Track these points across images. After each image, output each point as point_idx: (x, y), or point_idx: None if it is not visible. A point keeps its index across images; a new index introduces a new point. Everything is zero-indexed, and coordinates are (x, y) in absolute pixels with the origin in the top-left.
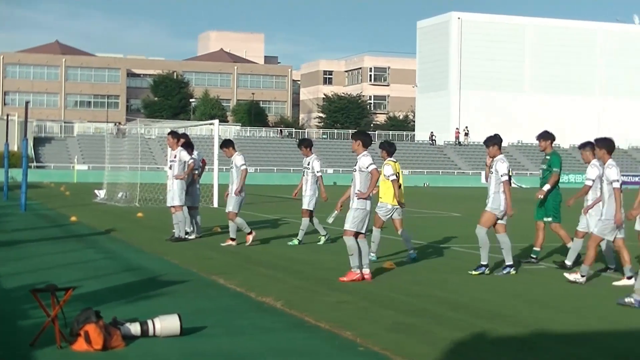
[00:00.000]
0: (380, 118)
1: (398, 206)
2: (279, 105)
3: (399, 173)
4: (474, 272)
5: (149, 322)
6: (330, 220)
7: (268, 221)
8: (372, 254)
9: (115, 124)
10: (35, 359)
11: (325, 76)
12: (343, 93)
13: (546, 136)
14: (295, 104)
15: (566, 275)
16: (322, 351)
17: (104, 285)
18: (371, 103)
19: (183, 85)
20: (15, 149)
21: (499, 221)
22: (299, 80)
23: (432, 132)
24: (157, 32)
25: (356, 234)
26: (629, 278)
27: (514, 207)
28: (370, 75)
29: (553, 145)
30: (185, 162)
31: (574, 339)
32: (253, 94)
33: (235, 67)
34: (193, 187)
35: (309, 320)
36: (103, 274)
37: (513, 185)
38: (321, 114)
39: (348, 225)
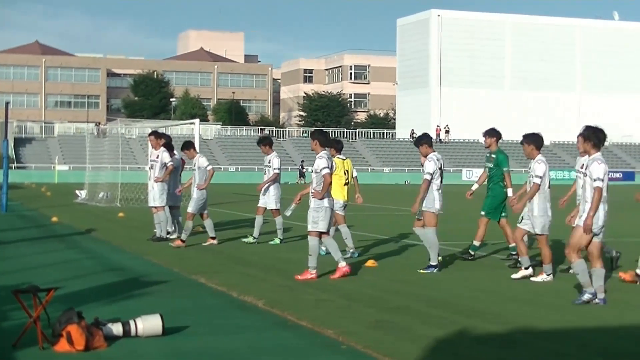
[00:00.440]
0: (361, 116)
1: (347, 202)
2: (260, 104)
3: (348, 170)
4: (422, 271)
5: (131, 322)
6: (288, 213)
7: (248, 220)
8: (351, 250)
9: (95, 124)
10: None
11: (305, 74)
12: (323, 91)
13: (492, 133)
14: (276, 102)
15: (534, 279)
16: (304, 350)
17: (86, 285)
18: (352, 101)
19: (163, 85)
20: None
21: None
22: (279, 79)
23: (412, 130)
24: (136, 31)
25: (320, 234)
26: (527, 268)
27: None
28: (351, 73)
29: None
30: (165, 163)
31: (555, 335)
32: (233, 92)
33: (216, 66)
34: (175, 187)
35: (290, 319)
36: (85, 275)
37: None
38: (302, 113)
39: (310, 226)
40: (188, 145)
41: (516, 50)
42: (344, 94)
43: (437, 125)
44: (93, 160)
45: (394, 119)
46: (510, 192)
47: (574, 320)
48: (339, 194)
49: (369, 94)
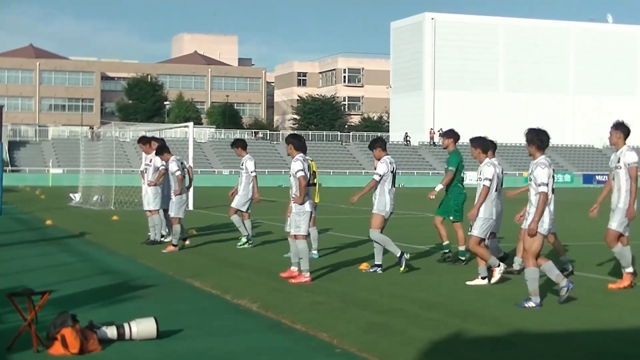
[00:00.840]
0: (355, 119)
1: (317, 203)
2: (253, 107)
3: (315, 172)
4: (365, 268)
5: (126, 325)
6: (287, 229)
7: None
8: (313, 252)
9: (89, 127)
10: None
11: (299, 78)
12: (317, 94)
13: (449, 134)
14: (270, 105)
15: (469, 282)
16: (299, 352)
17: (80, 288)
18: (345, 104)
19: (157, 88)
20: None
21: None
22: (273, 82)
23: (406, 133)
24: (130, 35)
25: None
26: (483, 278)
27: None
28: (344, 76)
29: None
30: (158, 167)
31: (549, 337)
32: (227, 96)
33: (209, 70)
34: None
35: (285, 322)
36: (79, 278)
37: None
38: (295, 116)
39: (293, 230)
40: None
41: (510, 52)
42: (337, 97)
43: (431, 128)
44: (87, 164)
45: (388, 122)
46: (438, 187)
47: (568, 322)
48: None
49: (362, 97)
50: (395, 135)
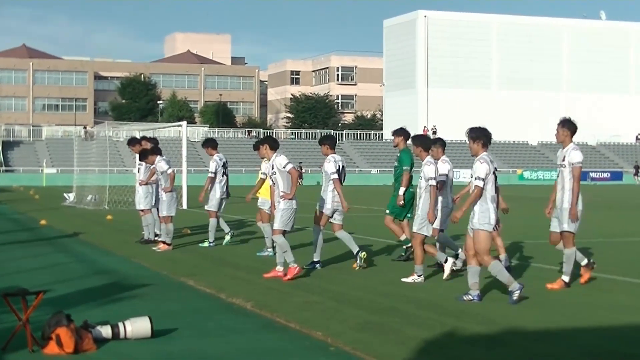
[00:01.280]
0: (348, 117)
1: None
2: (247, 106)
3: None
4: (305, 267)
5: (120, 325)
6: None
7: (235, 222)
8: (268, 250)
9: (83, 127)
10: None
11: (292, 76)
12: (310, 93)
13: (399, 132)
14: (263, 104)
15: (405, 280)
16: (293, 352)
17: (75, 288)
18: (339, 102)
19: (150, 88)
20: None
21: (333, 220)
22: (266, 81)
23: None
24: (123, 34)
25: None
26: (419, 276)
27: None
28: (338, 74)
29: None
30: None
31: (543, 336)
32: (220, 95)
33: (202, 69)
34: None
35: (279, 321)
36: (73, 278)
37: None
38: (289, 114)
39: (277, 225)
40: (149, 151)
41: (503, 50)
42: (331, 95)
43: (425, 126)
44: (81, 163)
45: (381, 120)
46: (401, 190)
47: (562, 320)
48: (268, 193)
49: (356, 95)
50: (388, 134)
